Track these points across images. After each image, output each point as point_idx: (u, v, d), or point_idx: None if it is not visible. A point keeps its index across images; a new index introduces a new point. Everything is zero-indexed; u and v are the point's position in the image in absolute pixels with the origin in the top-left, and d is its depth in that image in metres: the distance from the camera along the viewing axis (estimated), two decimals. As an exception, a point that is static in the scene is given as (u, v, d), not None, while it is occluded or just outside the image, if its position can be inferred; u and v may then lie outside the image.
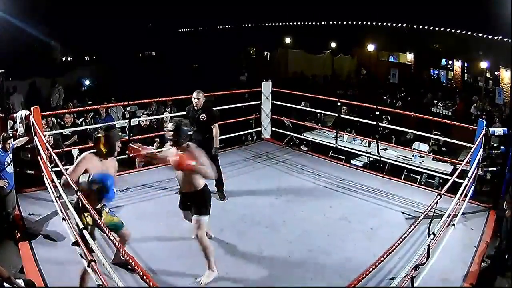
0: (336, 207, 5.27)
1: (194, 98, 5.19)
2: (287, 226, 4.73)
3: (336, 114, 7.20)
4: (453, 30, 15.87)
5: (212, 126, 5.20)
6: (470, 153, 5.09)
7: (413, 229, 3.31)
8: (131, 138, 6.29)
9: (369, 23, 17.97)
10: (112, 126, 4.19)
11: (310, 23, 19.67)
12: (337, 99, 7.19)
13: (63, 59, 20.32)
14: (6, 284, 3.46)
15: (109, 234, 2.89)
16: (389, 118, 7.78)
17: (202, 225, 3.65)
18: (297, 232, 4.62)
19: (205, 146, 5.18)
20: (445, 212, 4.05)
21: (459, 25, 15.28)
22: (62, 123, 7.35)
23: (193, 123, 5.25)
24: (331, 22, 18.93)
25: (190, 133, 3.64)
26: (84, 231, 3.13)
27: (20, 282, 3.56)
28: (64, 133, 7.03)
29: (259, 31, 20.94)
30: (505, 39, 12.78)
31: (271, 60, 20.80)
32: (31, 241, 4.21)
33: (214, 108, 5.64)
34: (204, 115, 5.19)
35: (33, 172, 5.43)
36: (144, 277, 2.40)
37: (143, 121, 7.47)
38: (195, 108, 5.22)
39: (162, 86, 11.91)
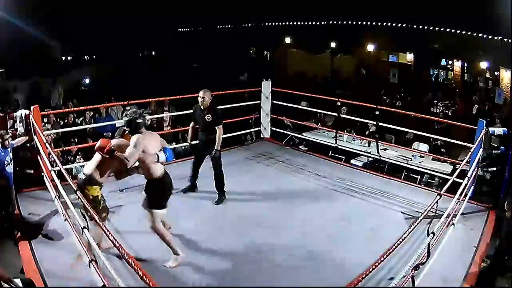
0: (336, 207, 5.27)
1: (200, 97, 5.12)
2: (287, 226, 4.73)
3: (336, 114, 7.20)
4: (453, 30, 15.88)
5: (216, 127, 5.15)
6: (470, 153, 5.08)
7: (413, 229, 3.31)
8: None
9: (369, 23, 17.99)
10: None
11: (310, 23, 19.67)
12: (337, 99, 7.19)
13: (63, 58, 20.32)
14: (4, 284, 3.45)
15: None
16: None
17: (154, 218, 3.74)
18: (297, 232, 4.61)
19: (209, 146, 5.17)
20: (444, 212, 4.05)
21: (459, 25, 15.30)
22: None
23: (197, 122, 5.25)
24: (331, 22, 18.94)
25: (139, 121, 3.69)
26: (85, 230, 3.16)
27: (18, 282, 3.55)
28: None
29: (259, 31, 20.94)
30: (505, 39, 12.78)
31: (271, 60, 20.79)
32: (31, 241, 4.21)
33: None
34: (209, 115, 5.14)
35: (33, 171, 5.43)
36: (144, 277, 2.40)
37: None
38: (201, 108, 5.17)
39: (162, 85, 11.89)
